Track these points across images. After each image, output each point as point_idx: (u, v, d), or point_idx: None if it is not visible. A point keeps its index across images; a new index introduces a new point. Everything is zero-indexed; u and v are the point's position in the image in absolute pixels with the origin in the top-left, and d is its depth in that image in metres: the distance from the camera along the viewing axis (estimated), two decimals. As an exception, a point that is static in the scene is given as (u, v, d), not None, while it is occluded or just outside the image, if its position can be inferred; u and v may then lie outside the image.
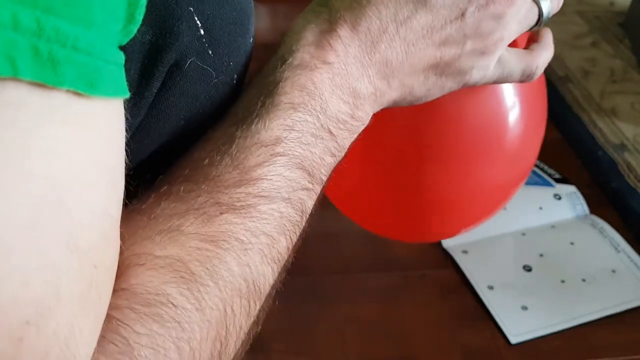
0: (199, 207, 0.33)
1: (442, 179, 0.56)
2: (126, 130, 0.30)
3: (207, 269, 0.32)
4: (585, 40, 1.25)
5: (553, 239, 0.85)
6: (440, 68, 0.42)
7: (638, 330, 0.74)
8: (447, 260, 0.82)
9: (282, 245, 0.36)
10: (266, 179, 0.35)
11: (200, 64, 0.36)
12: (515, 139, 0.55)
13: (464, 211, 0.60)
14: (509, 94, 0.53)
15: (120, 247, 0.30)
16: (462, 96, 0.49)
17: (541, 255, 0.82)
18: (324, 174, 0.39)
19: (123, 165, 0.29)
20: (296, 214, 0.37)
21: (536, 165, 0.93)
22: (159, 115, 0.36)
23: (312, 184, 0.38)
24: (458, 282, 0.79)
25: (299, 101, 0.38)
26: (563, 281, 0.79)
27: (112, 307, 0.29)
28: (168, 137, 0.38)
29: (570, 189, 0.90)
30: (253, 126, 0.36)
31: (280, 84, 0.38)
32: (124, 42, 0.28)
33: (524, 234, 0.85)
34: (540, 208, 0.88)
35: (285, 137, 0.37)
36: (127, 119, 0.30)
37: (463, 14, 0.40)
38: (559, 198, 0.89)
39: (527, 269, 0.80)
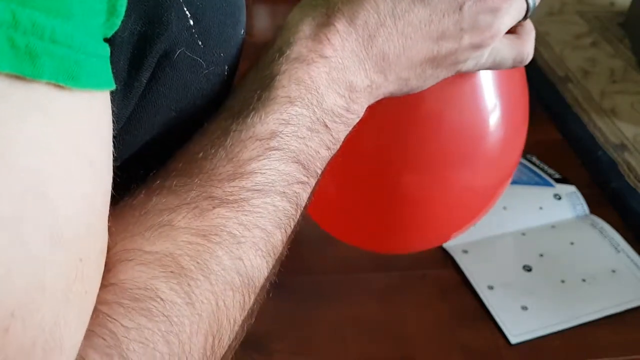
0: (191, 202, 0.33)
1: (424, 184, 0.54)
2: (117, 121, 0.30)
3: (197, 263, 0.32)
4: (585, 40, 1.25)
5: (553, 239, 0.85)
6: (437, 61, 0.42)
7: (638, 330, 0.74)
8: (447, 260, 0.82)
9: (277, 238, 0.36)
10: (260, 172, 0.35)
11: (190, 55, 0.36)
12: (497, 140, 0.55)
13: (450, 216, 0.59)
14: (490, 94, 0.52)
15: (110, 242, 0.30)
16: (443, 97, 0.48)
17: (541, 255, 0.82)
18: (319, 167, 0.39)
19: (110, 157, 0.29)
20: (291, 207, 0.37)
21: (536, 165, 0.94)
22: (150, 105, 0.36)
23: (307, 177, 0.38)
24: (458, 282, 0.79)
25: (295, 95, 0.37)
26: (563, 281, 0.79)
27: (100, 301, 0.29)
28: (160, 128, 0.38)
29: (570, 189, 0.90)
30: (249, 120, 0.36)
31: (277, 77, 0.38)
32: (109, 34, 0.28)
33: (524, 234, 0.85)
34: (540, 208, 0.88)
35: (280, 131, 0.36)
36: (117, 109, 0.30)
37: (461, 8, 0.41)
38: (559, 198, 0.89)
39: (527, 269, 0.80)
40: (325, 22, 0.39)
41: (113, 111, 0.29)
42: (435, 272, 0.81)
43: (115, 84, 0.28)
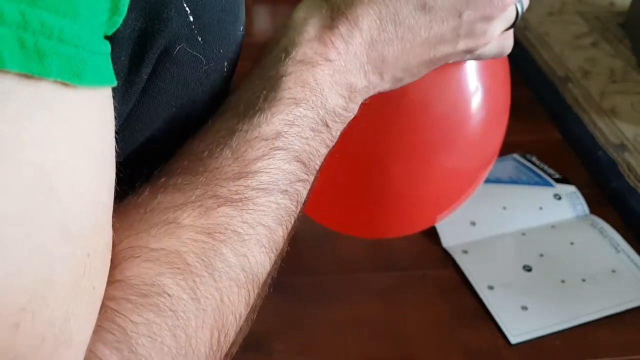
0: (196, 200, 0.34)
1: (408, 169, 0.56)
2: (117, 117, 0.31)
3: (202, 260, 0.32)
4: (585, 40, 1.25)
5: (553, 239, 0.85)
6: (432, 63, 0.44)
7: (638, 330, 0.75)
8: (447, 260, 0.82)
9: (279, 235, 0.37)
10: (265, 172, 0.36)
11: (190, 51, 0.36)
12: (480, 125, 0.56)
13: (435, 199, 0.60)
14: (473, 81, 0.54)
15: (115, 240, 0.31)
16: (426, 85, 0.49)
17: (541, 255, 0.82)
18: (318, 164, 0.40)
19: (113, 152, 0.29)
20: (292, 204, 0.38)
21: (536, 165, 0.94)
22: (150, 101, 0.37)
23: (308, 174, 0.39)
24: (458, 282, 0.79)
25: (300, 97, 0.38)
26: (563, 281, 0.79)
27: (108, 298, 0.29)
28: (160, 124, 0.38)
29: (570, 189, 0.90)
30: (254, 119, 0.37)
31: (283, 78, 0.39)
32: (110, 32, 0.29)
33: (524, 234, 0.85)
34: (540, 208, 0.88)
35: (285, 132, 0.37)
36: (118, 105, 0.31)
37: (460, 16, 0.42)
38: (559, 198, 0.89)
39: (527, 269, 0.81)
40: (329, 25, 0.40)
41: (114, 107, 0.30)
42: (435, 272, 0.81)
43: (116, 80, 0.29)
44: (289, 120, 0.38)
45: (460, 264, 0.81)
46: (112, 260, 0.30)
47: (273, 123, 0.37)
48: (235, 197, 0.35)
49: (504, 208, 0.87)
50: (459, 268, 0.80)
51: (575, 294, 0.77)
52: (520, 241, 0.84)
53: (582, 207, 0.89)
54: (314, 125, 0.39)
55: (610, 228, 0.86)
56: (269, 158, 0.36)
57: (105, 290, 0.29)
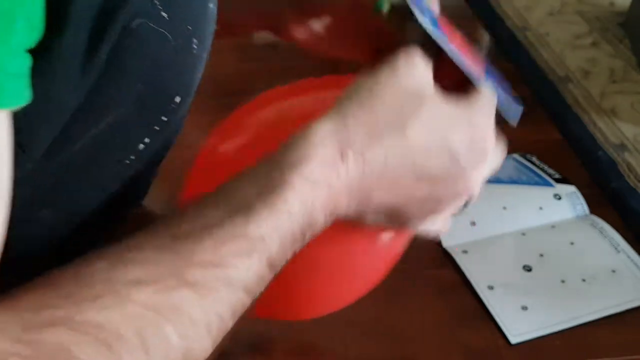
0: (157, 279, 0.34)
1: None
2: (77, 96, 0.30)
3: (139, 334, 0.32)
4: (585, 40, 1.25)
5: (553, 239, 0.85)
6: (392, 213, 0.46)
7: (638, 330, 0.74)
8: (447, 260, 0.82)
9: (228, 325, 0.38)
10: (237, 268, 0.37)
11: (155, 27, 0.36)
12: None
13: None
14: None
15: (58, 302, 0.31)
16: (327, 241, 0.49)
17: (541, 255, 0.82)
18: (283, 265, 0.41)
19: (6, 178, 0.28)
20: (249, 299, 0.38)
21: (536, 165, 0.94)
22: (114, 76, 0.37)
23: (272, 275, 0.40)
24: (458, 282, 0.79)
25: (295, 211, 0.40)
26: (563, 281, 0.79)
27: (14, 354, 0.29)
28: (130, 101, 0.38)
29: (570, 189, 0.90)
30: (245, 218, 0.38)
31: (285, 188, 0.40)
32: (31, 46, 0.28)
33: (524, 234, 0.85)
34: (540, 208, 0.88)
35: (269, 237, 0.38)
36: (77, 81, 0.31)
37: (430, 192, 0.45)
38: (559, 198, 0.89)
39: (527, 269, 0.80)
40: (339, 150, 0.42)
41: (71, 85, 0.29)
42: (435, 272, 0.81)
43: (74, 57, 0.28)
44: (276, 230, 0.39)
45: (460, 264, 0.80)
46: (37, 323, 0.30)
47: (261, 227, 0.38)
48: (200, 284, 0.35)
49: (504, 208, 0.87)
50: (458, 268, 0.80)
51: (575, 294, 0.77)
52: (520, 241, 0.84)
53: (582, 207, 0.89)
54: (296, 238, 0.40)
55: (610, 228, 0.85)
56: (246, 258, 0.37)
57: (18, 348, 0.29)
